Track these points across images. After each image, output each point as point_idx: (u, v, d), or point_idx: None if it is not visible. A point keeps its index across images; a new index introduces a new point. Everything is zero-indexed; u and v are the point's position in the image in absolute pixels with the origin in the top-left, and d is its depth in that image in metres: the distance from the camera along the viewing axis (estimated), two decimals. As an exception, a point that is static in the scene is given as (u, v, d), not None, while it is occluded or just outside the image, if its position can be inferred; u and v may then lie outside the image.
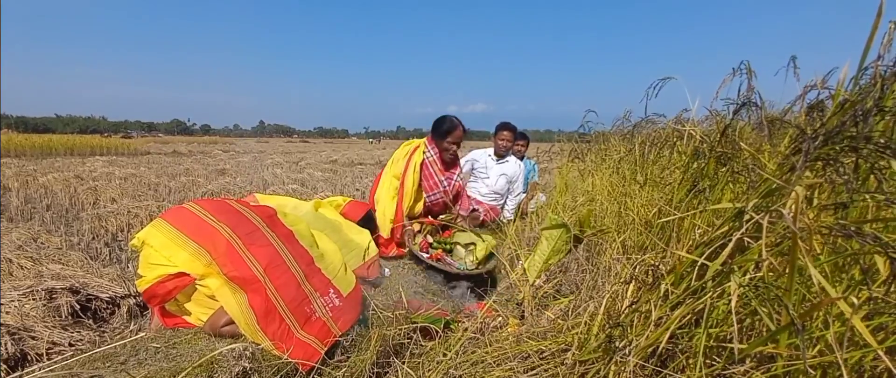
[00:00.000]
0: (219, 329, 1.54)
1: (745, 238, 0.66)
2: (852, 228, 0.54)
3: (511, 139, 3.88)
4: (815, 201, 0.80)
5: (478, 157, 3.99)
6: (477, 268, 2.49)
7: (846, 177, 0.60)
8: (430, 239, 2.71)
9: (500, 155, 3.93)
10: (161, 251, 1.52)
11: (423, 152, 2.86)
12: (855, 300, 0.49)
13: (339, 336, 1.57)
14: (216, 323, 1.54)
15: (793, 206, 0.61)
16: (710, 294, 0.65)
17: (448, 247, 2.65)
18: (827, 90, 1.04)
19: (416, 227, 2.79)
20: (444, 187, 2.85)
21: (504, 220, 3.85)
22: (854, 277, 0.67)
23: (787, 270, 0.57)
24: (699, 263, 0.70)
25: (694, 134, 1.32)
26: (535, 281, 2.00)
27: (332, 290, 1.65)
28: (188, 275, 1.52)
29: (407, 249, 2.74)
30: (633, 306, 0.82)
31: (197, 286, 1.55)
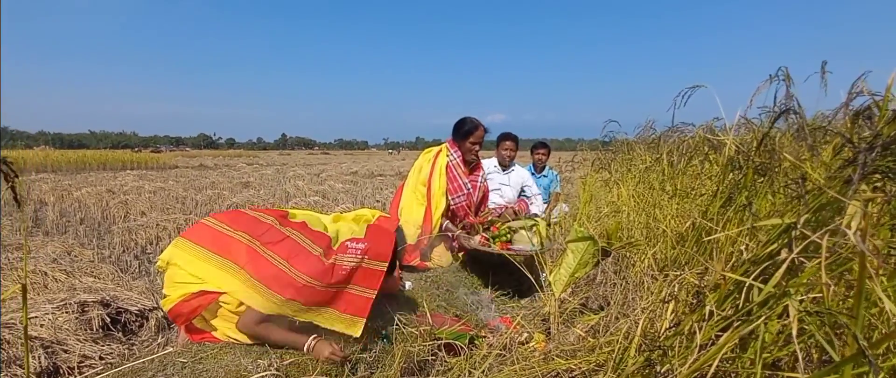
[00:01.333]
0: (254, 328, 1.55)
1: (799, 258, 0.62)
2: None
3: (514, 149, 3.77)
4: (871, 216, 0.75)
5: (483, 166, 3.94)
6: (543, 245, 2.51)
7: (909, 191, 0.56)
8: (487, 235, 2.71)
9: (505, 165, 3.86)
10: (186, 268, 1.55)
11: (447, 155, 2.85)
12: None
13: (385, 267, 1.64)
14: (249, 322, 1.55)
15: (854, 224, 0.57)
16: (763, 318, 0.61)
17: (506, 236, 2.64)
18: (874, 97, 0.98)
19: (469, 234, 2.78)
20: (468, 190, 2.84)
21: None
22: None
23: (852, 295, 0.53)
24: (747, 284, 0.65)
25: (729, 143, 1.27)
26: (560, 295, 1.95)
27: (350, 242, 1.66)
28: (211, 292, 1.54)
29: (455, 254, 2.76)
30: (675, 328, 0.78)
31: (220, 303, 1.57)
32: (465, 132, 2.82)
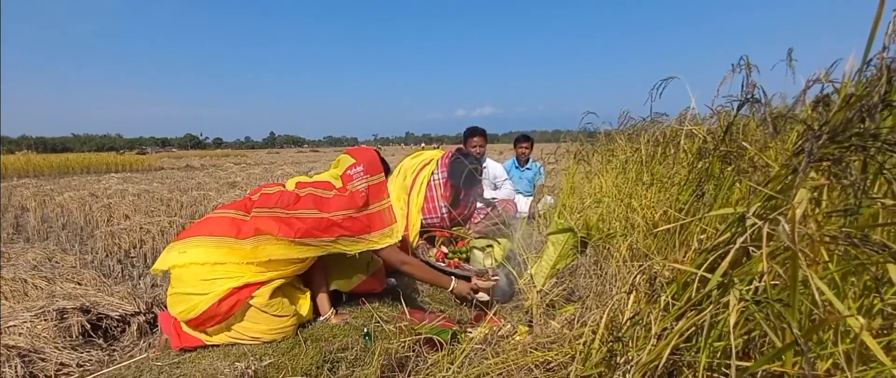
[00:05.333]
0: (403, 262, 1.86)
1: (750, 246, 0.62)
2: (857, 237, 0.50)
3: (483, 144, 3.71)
4: (825, 202, 0.76)
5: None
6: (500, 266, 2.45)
7: (853, 178, 0.56)
8: (445, 249, 2.65)
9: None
10: (213, 262, 1.55)
11: (432, 172, 2.74)
12: (860, 319, 0.45)
13: (384, 175, 1.89)
14: (396, 261, 1.85)
15: (799, 212, 0.57)
16: (711, 307, 0.62)
17: (464, 255, 2.59)
18: (832, 83, 0.99)
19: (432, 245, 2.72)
20: (443, 213, 2.70)
21: (521, 215, 3.80)
22: (868, 286, 0.63)
23: (789, 284, 0.54)
24: (698, 274, 0.66)
25: (697, 133, 1.28)
26: (542, 287, 1.96)
27: (350, 170, 1.86)
28: (251, 284, 1.56)
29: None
30: (634, 319, 0.79)
31: (249, 303, 1.56)
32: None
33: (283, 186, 1.84)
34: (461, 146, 2.86)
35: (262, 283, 1.60)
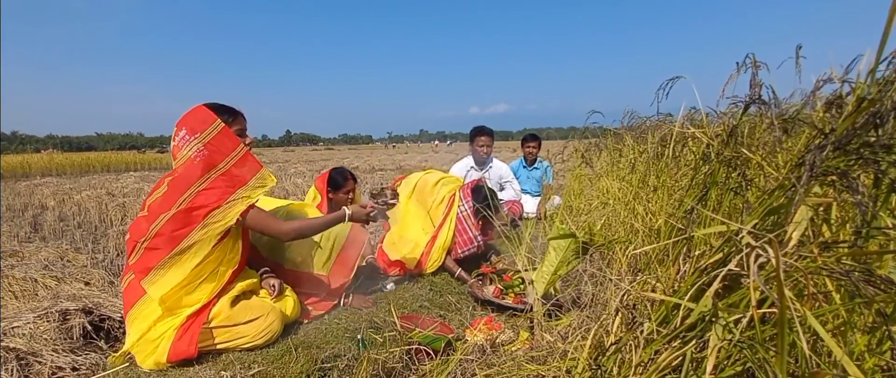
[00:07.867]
0: (287, 228, 1.68)
1: (743, 272, 0.56)
2: (859, 272, 0.43)
3: (490, 144, 3.67)
4: (835, 219, 0.68)
5: (458, 172, 3.78)
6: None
7: (860, 196, 0.49)
8: (501, 286, 2.46)
9: (482, 162, 3.68)
10: (150, 323, 1.53)
11: (458, 205, 2.63)
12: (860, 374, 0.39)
13: (220, 124, 1.60)
14: (277, 230, 1.67)
15: (796, 234, 0.50)
16: (694, 342, 0.55)
17: (520, 287, 2.40)
18: (848, 83, 0.91)
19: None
20: (478, 243, 2.61)
21: (529, 216, 3.73)
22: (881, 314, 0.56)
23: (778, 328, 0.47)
24: (684, 303, 0.60)
25: (700, 137, 1.20)
26: (542, 293, 1.89)
27: (174, 140, 1.61)
28: (194, 315, 1.53)
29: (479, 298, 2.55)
30: (615, 346, 0.72)
31: (211, 324, 1.54)
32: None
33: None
34: (478, 181, 2.73)
35: (210, 304, 1.55)
